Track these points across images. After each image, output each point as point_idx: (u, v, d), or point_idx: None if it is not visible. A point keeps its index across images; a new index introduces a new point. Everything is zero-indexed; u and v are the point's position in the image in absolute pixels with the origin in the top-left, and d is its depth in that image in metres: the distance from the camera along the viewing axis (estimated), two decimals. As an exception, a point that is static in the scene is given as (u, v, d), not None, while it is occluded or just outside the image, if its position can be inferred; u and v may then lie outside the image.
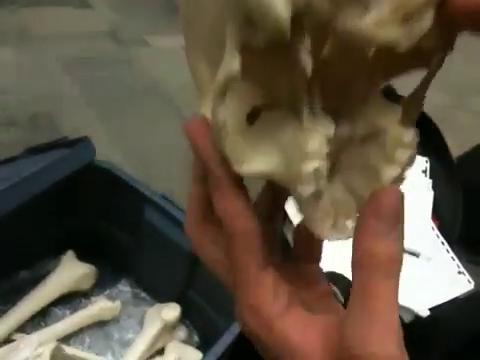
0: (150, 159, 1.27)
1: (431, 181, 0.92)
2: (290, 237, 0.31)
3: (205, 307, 0.84)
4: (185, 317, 0.88)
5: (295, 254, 0.30)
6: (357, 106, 0.24)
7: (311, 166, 0.22)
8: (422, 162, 0.93)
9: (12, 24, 1.64)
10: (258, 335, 0.25)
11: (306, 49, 0.20)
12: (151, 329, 0.82)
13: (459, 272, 0.80)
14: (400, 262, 0.22)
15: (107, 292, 0.92)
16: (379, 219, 0.22)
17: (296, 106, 0.22)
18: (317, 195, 0.23)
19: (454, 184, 0.94)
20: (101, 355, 0.83)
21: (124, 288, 0.93)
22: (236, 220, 0.24)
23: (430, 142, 0.90)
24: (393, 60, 0.23)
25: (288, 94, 0.22)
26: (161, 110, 1.45)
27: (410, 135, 0.24)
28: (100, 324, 0.87)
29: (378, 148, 0.24)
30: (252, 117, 0.23)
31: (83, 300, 0.90)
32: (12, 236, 0.80)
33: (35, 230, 0.85)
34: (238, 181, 0.24)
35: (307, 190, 0.22)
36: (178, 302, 0.86)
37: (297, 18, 0.19)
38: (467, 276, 0.80)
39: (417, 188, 0.85)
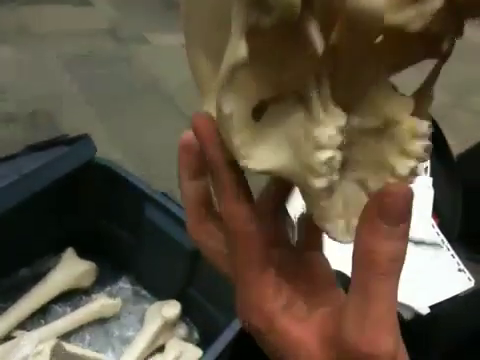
0: (150, 157, 1.27)
1: (431, 179, 0.92)
2: (289, 231, 0.31)
3: (205, 304, 0.84)
4: (185, 314, 0.88)
5: (299, 242, 0.30)
6: (367, 98, 0.23)
7: (324, 156, 0.21)
8: (423, 160, 0.93)
9: (12, 22, 1.64)
10: (259, 331, 0.25)
11: (316, 27, 0.19)
12: (151, 326, 0.82)
13: (459, 270, 0.80)
14: (402, 262, 0.22)
15: (107, 289, 0.92)
16: (383, 218, 0.21)
17: (305, 95, 0.21)
18: (330, 189, 0.21)
19: (454, 182, 0.94)
20: (101, 352, 0.83)
21: (124, 285, 0.93)
22: (239, 222, 0.24)
23: (431, 140, 0.89)
24: (402, 49, 0.23)
25: (297, 82, 0.21)
26: (161, 108, 1.45)
27: (424, 125, 0.23)
28: (100, 321, 0.87)
29: (391, 141, 0.23)
30: (258, 112, 0.23)
31: (83, 297, 0.90)
32: (12, 233, 0.80)
33: (35, 227, 0.85)
34: (242, 183, 0.24)
35: (319, 183, 0.21)
36: (178, 299, 0.86)
37: None
38: (467, 274, 0.79)
39: (417, 186, 0.85)
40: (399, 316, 0.70)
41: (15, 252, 0.83)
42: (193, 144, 0.25)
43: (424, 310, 0.72)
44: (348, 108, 0.22)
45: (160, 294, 0.90)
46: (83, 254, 0.90)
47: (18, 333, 0.80)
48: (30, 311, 0.83)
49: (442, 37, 0.21)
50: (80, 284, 0.89)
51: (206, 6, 0.22)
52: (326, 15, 0.19)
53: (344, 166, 0.23)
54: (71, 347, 0.80)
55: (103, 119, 1.37)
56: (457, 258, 0.82)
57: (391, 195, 0.21)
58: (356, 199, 0.24)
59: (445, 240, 0.84)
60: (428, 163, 0.94)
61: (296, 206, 0.30)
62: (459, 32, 0.21)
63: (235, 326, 0.67)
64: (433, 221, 0.87)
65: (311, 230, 0.29)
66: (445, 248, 0.83)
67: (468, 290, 0.77)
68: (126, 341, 0.85)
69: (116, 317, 0.88)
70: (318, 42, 0.19)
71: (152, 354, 0.82)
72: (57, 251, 0.90)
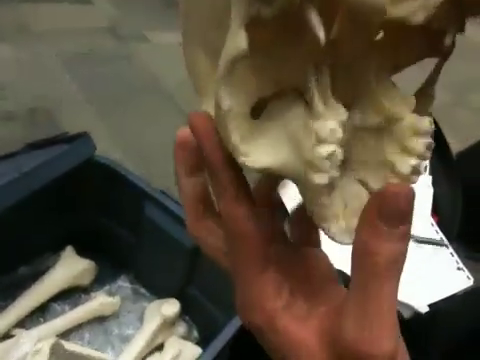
0: (150, 155, 1.27)
1: (431, 178, 0.92)
2: (287, 227, 0.31)
3: (205, 303, 0.84)
4: (184, 313, 0.88)
5: (294, 239, 0.30)
6: (368, 94, 0.23)
7: (325, 150, 0.20)
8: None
9: (11, 20, 1.64)
10: (260, 330, 0.25)
11: (317, 14, 0.19)
12: (150, 325, 0.82)
13: (458, 268, 0.80)
14: (403, 263, 0.22)
15: (107, 288, 0.92)
16: (383, 219, 0.21)
17: (305, 90, 0.21)
18: (330, 186, 0.21)
19: (454, 181, 0.94)
20: (101, 350, 0.83)
21: (124, 284, 0.93)
22: (238, 222, 0.24)
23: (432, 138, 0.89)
24: (403, 46, 0.22)
25: (297, 78, 0.21)
26: (161, 106, 1.45)
27: (426, 122, 0.22)
28: (100, 320, 0.87)
29: (392, 139, 0.23)
30: (258, 111, 0.22)
31: (83, 296, 0.90)
32: (11, 232, 0.80)
33: (35, 226, 0.85)
34: (241, 182, 0.24)
35: (320, 179, 0.20)
36: (178, 298, 0.86)
37: None
38: (466, 272, 0.79)
39: (417, 184, 0.85)
40: (398, 314, 0.70)
41: (14, 250, 0.83)
42: (189, 141, 0.25)
43: (423, 308, 0.72)
44: (348, 105, 0.22)
45: (159, 292, 0.90)
46: (82, 252, 0.90)
47: (17, 331, 0.80)
48: (29, 309, 0.83)
49: (444, 33, 0.21)
50: (79, 282, 0.89)
51: (206, 4, 0.22)
52: (326, 7, 0.19)
53: (344, 165, 0.23)
54: (70, 345, 0.80)
55: (103, 117, 1.37)
56: (456, 256, 0.82)
57: (392, 196, 0.20)
58: (356, 199, 0.23)
59: (444, 238, 0.84)
60: (428, 161, 0.94)
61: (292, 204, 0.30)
62: (461, 28, 0.21)
63: (234, 324, 0.67)
64: (432, 220, 0.87)
65: (306, 226, 0.29)
66: (444, 246, 0.84)
67: (467, 288, 0.77)
68: (125, 339, 0.85)
69: (115, 315, 0.88)
70: (319, 28, 0.19)
71: (151, 352, 0.83)
72: (56, 249, 0.90)
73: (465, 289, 0.77)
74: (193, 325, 0.89)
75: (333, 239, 0.22)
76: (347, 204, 0.23)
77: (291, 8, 0.18)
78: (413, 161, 0.22)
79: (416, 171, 0.22)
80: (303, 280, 0.27)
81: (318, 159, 0.20)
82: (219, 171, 0.23)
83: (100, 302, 0.86)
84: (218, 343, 0.66)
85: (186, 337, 0.86)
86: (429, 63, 0.24)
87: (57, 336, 0.79)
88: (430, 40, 0.22)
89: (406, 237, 0.21)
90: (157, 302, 0.88)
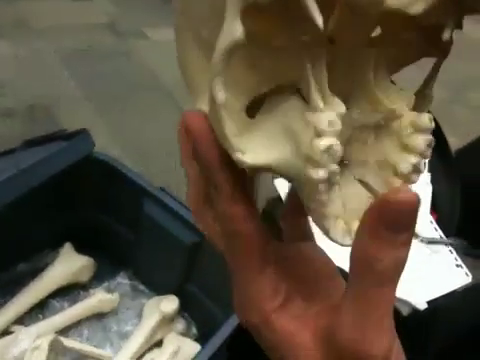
0: (148, 152, 1.27)
1: (430, 175, 0.92)
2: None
3: (203, 300, 0.84)
4: (183, 309, 0.88)
5: (286, 234, 0.30)
6: (366, 92, 0.23)
7: (323, 143, 0.19)
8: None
9: (10, 16, 1.64)
10: (257, 329, 0.25)
11: (314, 2, 0.18)
12: (149, 321, 0.83)
13: (457, 265, 0.81)
14: (403, 268, 0.21)
15: (105, 284, 0.92)
16: (385, 226, 0.20)
17: (303, 84, 0.20)
18: (329, 182, 0.20)
19: (452, 178, 0.94)
20: (99, 347, 0.83)
21: (122, 280, 0.93)
22: (235, 223, 0.23)
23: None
24: (401, 43, 0.22)
25: (294, 73, 0.21)
26: (160, 103, 1.45)
27: (426, 119, 0.22)
28: (98, 316, 0.87)
29: (391, 137, 0.22)
30: (254, 109, 0.22)
31: (81, 292, 0.90)
32: (10, 228, 0.80)
33: (33, 222, 0.85)
34: (238, 181, 0.23)
35: (319, 173, 0.20)
36: (176, 295, 0.86)
37: None
38: (465, 269, 0.80)
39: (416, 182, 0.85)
40: (397, 311, 0.70)
41: (13, 247, 0.83)
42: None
43: (422, 305, 0.72)
44: (347, 103, 0.21)
45: (158, 289, 0.90)
46: (81, 249, 0.90)
47: (16, 328, 0.81)
48: (28, 306, 0.83)
49: (442, 29, 0.21)
50: (78, 279, 0.89)
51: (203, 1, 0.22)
52: (324, 0, 0.19)
53: (344, 165, 0.23)
54: (69, 342, 0.80)
55: (101, 114, 1.37)
56: (455, 253, 0.82)
57: (396, 203, 0.19)
58: (356, 199, 0.23)
59: (443, 236, 0.85)
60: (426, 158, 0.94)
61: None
62: (459, 24, 0.21)
63: (233, 321, 0.67)
64: (431, 217, 0.87)
65: (297, 220, 0.29)
66: (443, 244, 0.84)
67: (466, 285, 0.77)
68: (124, 336, 0.86)
69: (114, 312, 0.88)
70: (317, 14, 0.18)
71: (150, 349, 0.83)
72: (55, 246, 0.90)
73: (464, 286, 0.77)
74: (192, 322, 0.89)
75: (332, 239, 0.22)
76: (347, 205, 0.22)
77: None
78: (413, 159, 0.22)
79: (416, 169, 0.22)
80: (300, 278, 0.26)
81: (316, 153, 0.19)
82: (214, 170, 0.23)
83: (99, 299, 0.86)
84: (217, 340, 0.66)
85: (185, 334, 0.86)
86: (428, 63, 0.24)
87: (56, 333, 0.79)
88: (428, 37, 0.22)
89: (408, 244, 0.21)
90: (156, 299, 0.88)
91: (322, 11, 0.18)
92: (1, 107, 1.29)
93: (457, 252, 0.82)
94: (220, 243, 0.26)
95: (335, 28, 0.21)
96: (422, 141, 0.22)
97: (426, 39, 0.22)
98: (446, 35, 0.21)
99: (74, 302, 0.87)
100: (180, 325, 0.87)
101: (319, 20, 0.18)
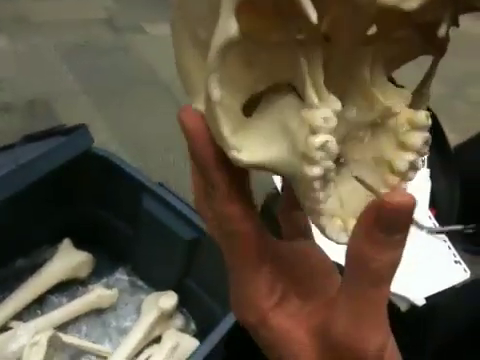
0: (147, 147, 1.27)
1: (429, 171, 0.92)
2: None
3: (202, 295, 0.84)
4: (182, 305, 0.88)
5: (285, 232, 0.30)
6: (362, 90, 0.22)
7: (319, 140, 0.19)
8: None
9: (9, 11, 1.63)
10: (254, 327, 0.25)
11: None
12: (148, 317, 0.83)
13: (455, 261, 0.81)
14: (397, 267, 0.21)
15: (104, 280, 0.92)
16: (381, 228, 0.20)
17: (299, 82, 0.20)
18: (325, 179, 0.20)
19: (451, 174, 0.94)
20: (98, 343, 0.84)
21: (121, 276, 0.93)
22: (231, 222, 0.23)
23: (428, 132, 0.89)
24: (397, 41, 0.22)
25: (290, 71, 0.21)
26: (158, 97, 1.44)
27: (423, 116, 0.22)
28: (97, 312, 0.87)
29: (388, 135, 0.22)
30: (251, 108, 0.22)
31: (80, 288, 0.90)
32: (9, 224, 0.80)
33: (32, 218, 0.84)
34: (234, 180, 0.23)
35: (314, 170, 0.20)
36: (175, 290, 0.86)
37: None
38: (463, 265, 0.80)
39: (415, 178, 0.84)
40: (395, 307, 0.70)
41: (12, 242, 0.83)
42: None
43: (420, 301, 0.72)
44: (343, 101, 0.21)
45: (157, 285, 0.90)
46: (80, 245, 0.90)
47: (14, 324, 0.80)
48: (27, 301, 0.83)
49: (438, 26, 0.21)
50: (77, 275, 0.89)
51: None
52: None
53: (340, 163, 0.23)
54: (68, 338, 0.80)
55: (100, 109, 1.37)
56: (453, 249, 0.82)
57: (391, 207, 0.20)
58: (353, 197, 0.23)
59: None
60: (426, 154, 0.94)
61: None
62: (455, 20, 0.21)
63: (232, 317, 0.68)
64: (430, 213, 0.87)
65: (294, 219, 0.29)
66: (442, 240, 0.84)
67: (464, 281, 0.77)
68: (123, 332, 0.86)
69: (113, 308, 0.88)
70: (311, 10, 0.18)
71: (149, 345, 0.83)
72: (54, 242, 0.90)
73: (462, 282, 0.77)
74: (190, 318, 0.89)
75: (328, 237, 0.22)
76: (344, 202, 0.22)
77: None
78: (410, 157, 0.22)
79: (413, 167, 0.22)
80: (296, 275, 0.27)
81: (311, 149, 0.19)
82: (210, 169, 0.22)
83: (98, 294, 0.86)
84: (215, 336, 0.66)
85: (183, 329, 0.86)
86: (427, 61, 0.23)
87: (54, 328, 0.79)
88: (424, 34, 0.22)
89: (403, 244, 0.21)
90: (154, 294, 0.88)
91: (317, 8, 0.18)
92: (0, 102, 1.29)
93: (455, 248, 0.82)
94: (218, 240, 0.26)
95: (331, 26, 0.21)
96: (419, 138, 0.22)
97: (422, 37, 0.22)
98: (442, 32, 0.21)
99: (73, 298, 0.87)
100: (179, 321, 0.87)
101: (313, 15, 0.18)
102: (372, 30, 0.22)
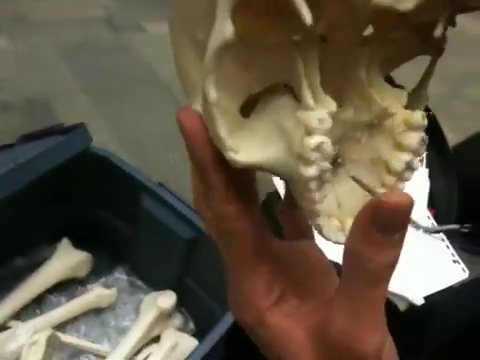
0: (146, 146, 1.27)
1: (427, 170, 0.92)
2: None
3: (201, 295, 0.84)
4: (181, 305, 0.88)
5: (287, 232, 0.30)
6: (359, 91, 0.23)
7: (314, 141, 0.19)
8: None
9: (8, 11, 1.63)
10: (251, 326, 0.25)
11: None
12: (147, 317, 0.83)
13: (454, 261, 0.81)
14: (395, 267, 0.21)
15: (103, 280, 0.92)
16: (378, 229, 0.20)
17: (295, 83, 0.20)
18: (321, 179, 0.20)
19: (450, 173, 0.94)
20: (97, 342, 0.84)
21: (120, 276, 0.93)
22: (229, 222, 0.23)
23: (426, 131, 0.89)
24: (394, 41, 0.22)
25: (286, 73, 0.21)
26: (157, 97, 1.44)
27: (419, 116, 0.22)
28: (96, 312, 0.87)
29: (385, 135, 0.22)
30: (249, 108, 0.22)
31: (79, 287, 0.90)
32: (8, 223, 0.80)
33: (31, 217, 0.84)
34: (232, 181, 0.23)
35: (309, 171, 0.20)
36: (174, 290, 0.86)
37: None
38: (462, 265, 0.80)
39: (414, 177, 0.84)
40: (394, 307, 0.70)
41: (10, 241, 0.83)
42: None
43: (419, 301, 0.72)
44: (340, 102, 0.22)
45: (156, 284, 0.90)
46: (79, 244, 0.90)
47: (13, 323, 0.80)
48: (25, 301, 0.83)
49: (434, 27, 0.21)
50: (76, 274, 0.89)
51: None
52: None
53: (337, 163, 0.23)
54: (67, 337, 0.80)
55: (99, 108, 1.37)
56: (452, 249, 0.82)
57: (388, 207, 0.19)
58: (351, 197, 0.23)
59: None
60: (424, 154, 0.94)
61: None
62: (451, 20, 0.21)
63: (231, 317, 0.67)
64: (428, 212, 0.87)
65: (296, 218, 0.30)
66: (440, 239, 0.84)
67: (463, 281, 0.77)
68: (122, 331, 0.86)
69: (112, 307, 0.88)
70: (305, 11, 0.18)
71: (148, 344, 0.83)
72: (53, 241, 0.90)
73: (461, 281, 0.77)
74: (189, 317, 0.89)
75: (325, 237, 0.22)
76: (341, 203, 0.23)
77: None
78: (406, 157, 0.22)
79: (410, 167, 0.22)
80: (294, 275, 0.27)
81: (307, 150, 0.20)
82: (208, 169, 0.23)
83: (96, 294, 0.86)
84: (214, 335, 0.66)
85: (182, 329, 0.86)
86: (426, 62, 0.24)
87: (53, 328, 0.79)
88: (421, 35, 0.22)
89: (400, 244, 0.21)
90: (153, 294, 0.88)
91: (313, 9, 0.18)
92: (-1, 101, 1.29)
93: (454, 248, 0.82)
94: (216, 240, 0.26)
95: (327, 26, 0.21)
96: (415, 139, 0.22)
97: (419, 37, 0.22)
98: (438, 32, 0.21)
99: (72, 297, 0.87)
100: (178, 320, 0.87)
101: (307, 17, 0.18)
102: (368, 31, 0.22)
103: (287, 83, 0.21)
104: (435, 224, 0.85)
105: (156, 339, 0.84)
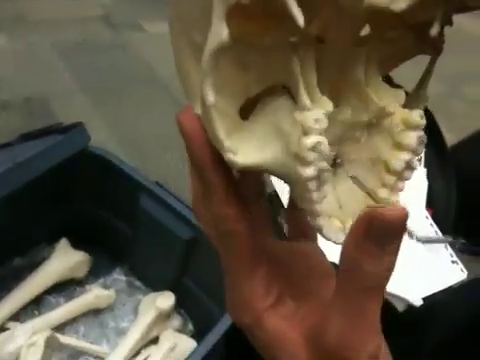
0: (144, 145, 1.27)
1: (426, 170, 0.92)
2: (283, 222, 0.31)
3: (200, 296, 0.84)
4: (179, 306, 0.88)
5: (290, 232, 0.30)
6: (357, 91, 0.23)
7: (310, 141, 0.20)
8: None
9: (7, 10, 1.63)
10: (249, 328, 0.25)
11: (294, 1, 0.18)
12: (145, 317, 0.82)
13: (452, 261, 0.81)
14: (390, 277, 0.22)
15: (102, 280, 0.92)
16: (372, 240, 0.20)
17: (291, 84, 0.21)
18: (319, 179, 0.20)
19: (448, 173, 0.94)
20: (96, 343, 0.83)
21: (119, 276, 0.93)
22: (228, 224, 0.23)
23: (425, 131, 0.89)
24: (391, 41, 0.22)
25: (284, 70, 0.20)
26: (156, 96, 1.44)
27: (417, 115, 0.22)
28: (95, 312, 0.87)
29: (383, 135, 0.23)
30: (248, 111, 0.22)
31: (77, 288, 0.90)
32: (6, 223, 0.80)
33: (29, 217, 0.84)
34: (231, 183, 0.23)
35: (307, 171, 0.20)
36: (173, 290, 0.86)
37: None
38: (460, 265, 0.80)
39: (412, 177, 0.84)
40: (393, 308, 0.70)
41: (9, 241, 0.83)
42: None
43: (417, 302, 0.72)
44: (337, 102, 0.22)
45: (154, 285, 0.90)
46: (77, 244, 0.90)
47: (11, 324, 0.80)
48: (24, 302, 0.83)
49: (431, 26, 0.21)
50: (74, 275, 0.89)
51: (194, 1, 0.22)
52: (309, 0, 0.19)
53: (337, 164, 0.23)
54: (65, 338, 0.80)
55: (97, 107, 1.37)
56: (450, 250, 0.82)
57: (383, 217, 0.19)
58: (351, 197, 0.23)
59: (439, 231, 0.85)
60: (422, 153, 0.94)
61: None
62: (448, 19, 0.21)
63: (229, 318, 0.67)
64: (427, 212, 0.87)
65: (297, 219, 0.30)
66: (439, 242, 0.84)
67: (461, 281, 0.77)
68: (121, 332, 0.85)
69: (110, 308, 0.88)
70: (297, 12, 0.18)
71: (146, 345, 0.83)
72: (51, 241, 0.90)
73: (460, 282, 0.77)
74: (188, 318, 0.89)
75: (326, 238, 0.22)
76: (342, 203, 0.23)
77: None
78: (406, 156, 0.22)
79: (409, 166, 0.22)
80: (293, 276, 0.27)
81: (304, 150, 0.20)
82: (207, 171, 0.23)
83: (95, 295, 0.86)
84: (213, 336, 0.66)
85: (181, 330, 0.86)
86: (425, 60, 0.23)
87: (52, 329, 0.79)
88: (418, 34, 0.22)
89: (395, 254, 0.21)
90: (152, 295, 0.88)
91: (307, 11, 0.18)
92: (-3, 100, 1.29)
93: (452, 248, 0.82)
94: (215, 242, 0.26)
95: (322, 27, 0.21)
96: (414, 138, 0.22)
97: (416, 36, 0.22)
98: (434, 31, 0.21)
99: (70, 298, 0.87)
100: (176, 321, 0.87)
101: (300, 18, 0.18)
102: (366, 31, 0.22)
103: (284, 84, 0.21)
104: (434, 224, 0.85)
105: (155, 340, 0.83)
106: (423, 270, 0.77)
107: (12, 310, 0.81)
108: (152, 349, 0.82)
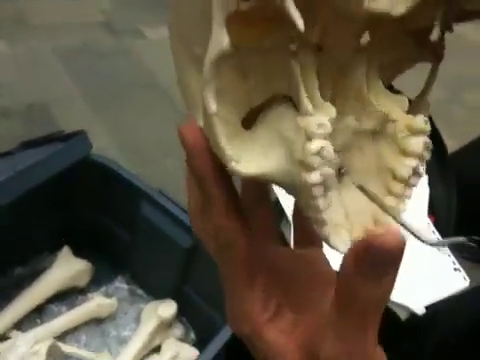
0: (145, 152, 1.27)
1: (427, 177, 0.92)
2: (287, 235, 0.31)
3: (201, 304, 0.84)
4: (181, 314, 0.88)
5: (297, 242, 0.30)
6: (359, 99, 0.22)
7: (314, 146, 0.19)
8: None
9: (7, 14, 1.63)
10: (250, 339, 0.25)
11: (293, 4, 0.18)
12: (147, 326, 0.82)
13: (455, 269, 0.80)
14: (387, 301, 0.21)
15: (103, 289, 0.92)
16: (369, 267, 0.20)
17: (293, 89, 0.20)
18: (325, 185, 0.20)
19: (449, 180, 0.94)
20: (98, 352, 0.83)
21: (120, 285, 0.93)
22: (228, 236, 0.23)
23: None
24: (392, 49, 0.22)
25: (286, 77, 0.20)
26: (157, 102, 1.44)
27: (421, 121, 0.22)
28: (96, 321, 0.87)
29: (388, 141, 0.22)
30: (251, 121, 0.22)
31: (79, 297, 0.90)
32: (7, 231, 0.80)
33: (31, 225, 0.84)
34: (231, 195, 0.23)
35: (312, 177, 0.20)
36: (174, 298, 0.86)
37: None
38: (463, 273, 0.79)
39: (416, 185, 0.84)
40: (395, 316, 0.70)
41: (10, 250, 0.83)
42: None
43: (420, 310, 0.72)
44: (340, 109, 0.21)
45: (156, 293, 0.90)
46: (79, 252, 0.90)
47: (13, 333, 0.80)
48: (26, 310, 0.83)
49: (430, 32, 0.21)
50: (76, 283, 0.88)
51: (194, 7, 0.22)
52: (309, 4, 0.19)
53: (342, 173, 0.23)
54: (67, 348, 0.80)
55: (98, 113, 1.37)
56: (453, 257, 0.82)
57: (379, 245, 0.19)
58: (358, 206, 0.22)
59: (440, 239, 0.84)
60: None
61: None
62: (448, 26, 0.21)
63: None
64: (429, 220, 0.87)
65: (302, 227, 0.30)
66: (441, 247, 0.83)
67: (464, 289, 0.77)
68: (122, 341, 0.85)
69: (112, 317, 0.88)
70: (296, 16, 0.18)
71: (148, 354, 0.82)
72: (53, 249, 0.90)
73: (462, 290, 0.77)
74: (190, 327, 0.89)
75: (332, 247, 0.21)
76: (348, 213, 0.22)
77: (269, 1, 0.18)
78: (412, 162, 0.22)
79: (416, 173, 0.22)
80: (293, 285, 0.27)
81: (308, 156, 0.19)
82: (208, 183, 0.23)
83: (97, 303, 0.86)
84: (215, 345, 0.66)
85: (183, 339, 0.86)
86: (427, 67, 0.23)
87: (54, 338, 0.78)
88: (419, 41, 0.22)
89: (393, 279, 0.21)
90: (154, 303, 0.87)
91: (307, 17, 0.18)
92: (-2, 107, 1.29)
93: (455, 256, 0.82)
94: (214, 254, 0.26)
95: (322, 34, 0.21)
96: (419, 144, 0.22)
97: (417, 43, 0.22)
98: (434, 35, 0.21)
99: (72, 307, 0.87)
100: (178, 330, 0.86)
101: (299, 21, 0.18)
102: (366, 37, 0.22)
103: (286, 93, 0.21)
104: (436, 231, 0.85)
105: (157, 349, 0.83)
106: (426, 278, 0.77)
107: (14, 319, 0.81)
108: (154, 358, 0.81)
